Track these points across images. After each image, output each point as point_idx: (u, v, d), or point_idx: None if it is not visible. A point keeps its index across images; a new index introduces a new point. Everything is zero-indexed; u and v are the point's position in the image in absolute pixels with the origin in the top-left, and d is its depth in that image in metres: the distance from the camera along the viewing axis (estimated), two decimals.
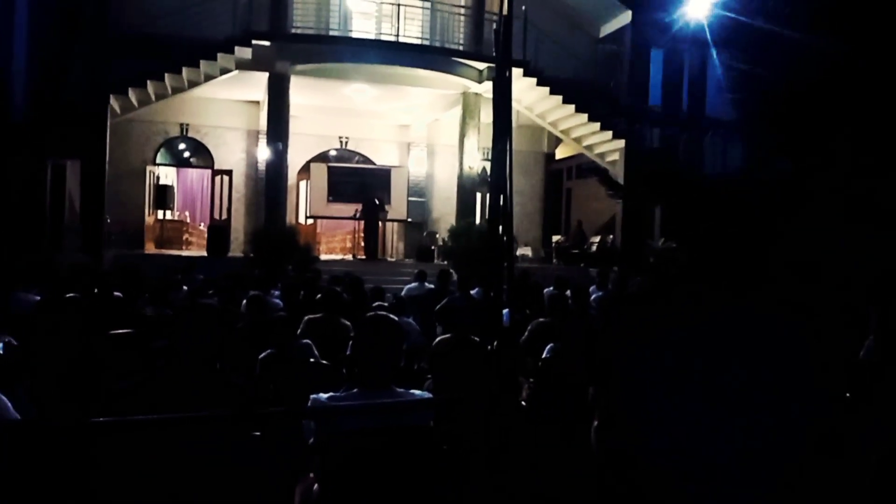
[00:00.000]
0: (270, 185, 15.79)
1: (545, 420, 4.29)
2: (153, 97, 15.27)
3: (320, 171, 18.22)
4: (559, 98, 16.35)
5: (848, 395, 2.56)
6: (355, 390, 2.89)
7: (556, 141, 19.74)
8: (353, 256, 17.63)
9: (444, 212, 19.22)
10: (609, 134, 16.57)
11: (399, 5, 16.28)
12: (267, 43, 14.90)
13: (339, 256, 18.44)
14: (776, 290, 1.46)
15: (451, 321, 5.40)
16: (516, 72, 14.95)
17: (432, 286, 9.99)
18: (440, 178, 19.94)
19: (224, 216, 18.70)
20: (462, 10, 17.04)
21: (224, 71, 15.00)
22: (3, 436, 2.47)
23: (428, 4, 16.85)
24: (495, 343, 2.72)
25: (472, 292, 8.54)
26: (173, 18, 14.30)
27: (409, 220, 18.93)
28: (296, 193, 19.17)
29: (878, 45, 1.81)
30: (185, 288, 8.15)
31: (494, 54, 2.93)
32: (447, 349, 5.09)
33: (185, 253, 16.72)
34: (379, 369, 2.87)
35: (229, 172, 18.89)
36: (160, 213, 18.40)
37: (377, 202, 16.72)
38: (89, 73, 13.63)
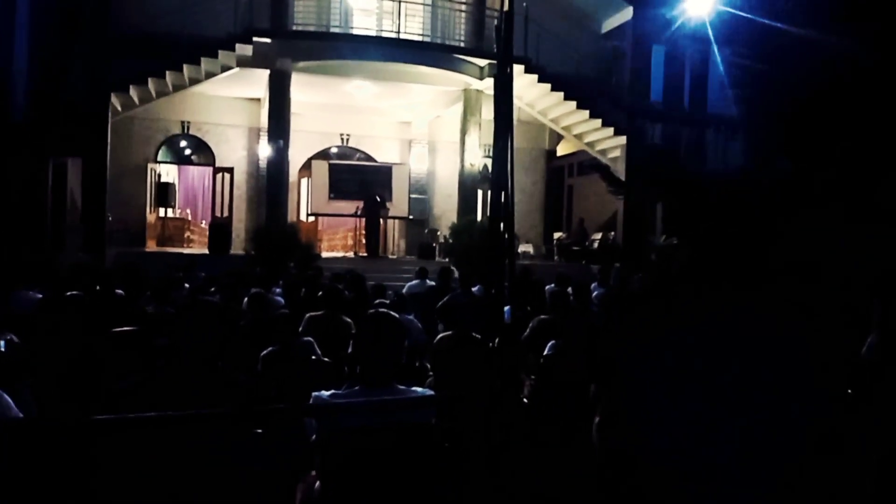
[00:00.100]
0: (272, 183, 15.79)
1: (546, 417, 4.29)
2: (154, 95, 15.27)
3: (321, 169, 18.22)
4: (560, 95, 16.33)
5: (850, 392, 2.56)
6: (357, 388, 2.89)
7: (558, 138, 19.71)
8: (355, 254, 17.63)
9: (446, 209, 19.22)
10: (610, 130, 16.55)
11: (400, 2, 16.28)
12: (268, 40, 14.90)
13: (340, 254, 18.45)
14: (776, 290, 1.46)
15: (453, 318, 5.40)
16: (517, 68, 14.94)
17: (434, 283, 10.00)
18: (441, 175, 19.94)
19: (225, 214, 18.70)
20: (463, 7, 17.02)
21: (225, 68, 15.00)
22: (4, 434, 2.48)
23: (429, 1, 16.85)
24: (497, 340, 2.72)
25: (473, 289, 8.54)
26: (174, 16, 14.29)
27: (411, 217, 18.92)
28: (297, 191, 19.15)
29: (883, 41, 1.80)
30: (186, 286, 8.15)
31: (495, 51, 2.93)
32: (448, 346, 5.09)
33: (186, 251, 16.74)
34: (380, 367, 2.87)
35: (230, 170, 18.90)
36: (161, 211, 18.39)
37: (378, 199, 16.72)
38: (90, 72, 13.63)
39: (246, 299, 6.54)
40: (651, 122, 16.15)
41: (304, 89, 16.04)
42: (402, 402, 2.90)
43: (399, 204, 18.15)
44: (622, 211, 16.55)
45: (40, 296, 5.87)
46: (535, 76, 15.90)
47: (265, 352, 4.62)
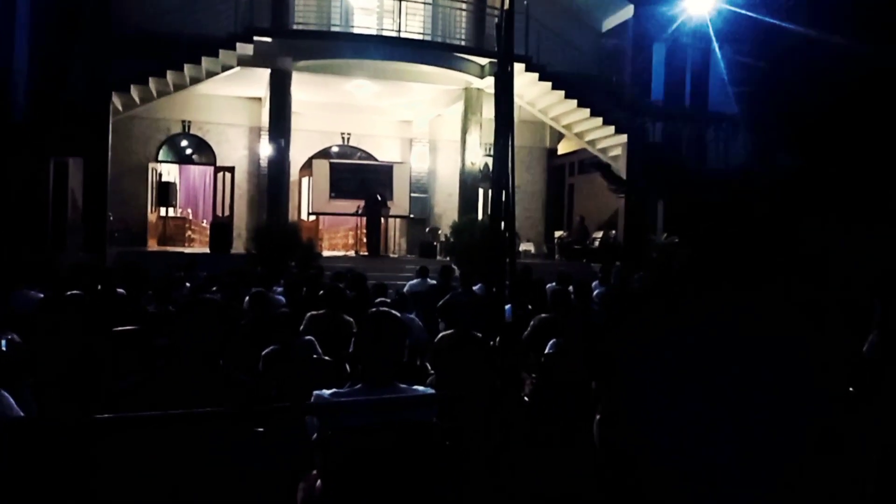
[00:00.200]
0: (273, 182, 15.79)
1: (547, 416, 4.29)
2: (155, 94, 15.27)
3: (322, 168, 18.22)
4: (561, 93, 16.31)
5: (851, 391, 2.55)
6: (358, 387, 2.89)
7: (559, 136, 19.70)
8: (356, 253, 17.63)
9: (447, 208, 19.21)
10: (611, 129, 16.53)
11: (400, 1, 16.26)
12: (269, 39, 14.89)
13: (341, 253, 18.45)
14: (776, 290, 1.45)
15: (454, 317, 5.40)
16: (518, 67, 14.93)
17: (435, 282, 10.00)
18: (442, 174, 19.94)
19: (226, 213, 18.70)
20: (463, 6, 17.01)
21: (226, 67, 14.99)
22: (5, 434, 2.48)
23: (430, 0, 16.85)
24: (497, 339, 2.72)
25: (474, 288, 8.54)
26: (175, 16, 14.30)
27: (412, 216, 18.92)
28: (298, 190, 19.15)
29: (885, 39, 1.80)
30: (187, 285, 8.15)
31: (496, 49, 2.92)
32: (450, 345, 5.09)
33: (187, 250, 16.74)
34: (382, 366, 2.87)
35: (231, 169, 18.90)
36: (163, 211, 18.40)
37: (379, 198, 16.72)
38: (91, 72, 13.62)
39: (247, 298, 6.55)
40: (652, 120, 16.13)
41: (305, 88, 16.04)
42: (404, 400, 2.90)
43: (400, 203, 18.15)
44: (623, 209, 16.53)
45: (41, 295, 5.87)
46: (536, 74, 15.88)
47: (266, 351, 4.62)
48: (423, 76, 15.97)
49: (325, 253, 17.10)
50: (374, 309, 3.31)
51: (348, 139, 19.96)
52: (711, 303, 1.48)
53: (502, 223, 2.64)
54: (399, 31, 16.06)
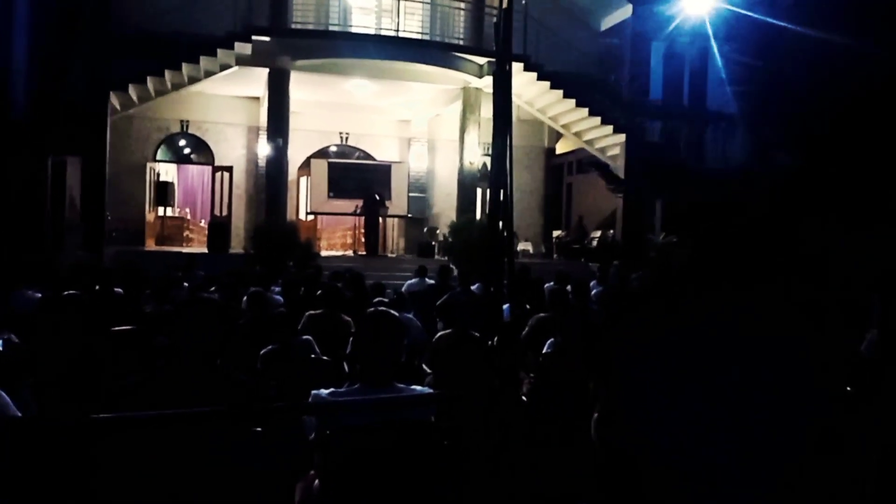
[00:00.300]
0: (271, 182, 15.79)
1: (545, 415, 4.29)
2: (153, 94, 15.25)
3: (321, 167, 18.22)
4: (560, 93, 16.31)
5: (850, 390, 2.55)
6: (356, 386, 2.89)
7: (557, 136, 19.71)
8: (354, 252, 17.63)
9: (445, 207, 19.21)
10: (610, 128, 16.53)
11: (399, 0, 16.25)
12: (267, 38, 14.88)
13: (339, 252, 18.43)
14: (776, 290, 1.45)
15: (452, 317, 5.40)
16: (516, 66, 14.92)
17: (433, 282, 10.01)
18: (441, 174, 19.93)
19: (224, 213, 18.68)
20: (462, 5, 17.01)
21: (224, 67, 14.98)
22: (4, 433, 2.47)
23: None
24: (496, 338, 2.72)
25: (472, 288, 8.54)
26: (173, 15, 14.28)
27: (410, 215, 18.92)
28: (296, 189, 19.15)
29: (882, 38, 1.80)
30: (186, 285, 8.15)
31: (495, 49, 2.92)
32: (448, 345, 5.09)
33: (185, 250, 16.71)
34: (380, 365, 2.87)
35: (230, 169, 18.88)
36: (161, 210, 18.39)
37: (378, 198, 16.72)
38: (89, 71, 13.61)
39: (245, 298, 6.54)
40: (650, 119, 16.15)
41: (304, 88, 16.03)
42: (402, 399, 2.90)
43: (398, 202, 18.15)
44: (621, 209, 16.54)
45: (39, 295, 5.86)
46: (534, 74, 15.88)
47: (264, 350, 4.62)
48: (421, 75, 15.97)
49: (324, 252, 17.09)
50: (372, 309, 3.31)
51: (347, 139, 19.95)
52: (711, 302, 1.48)
53: (500, 223, 2.64)
54: (397, 30, 16.05)
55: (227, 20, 14.77)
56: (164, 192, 17.69)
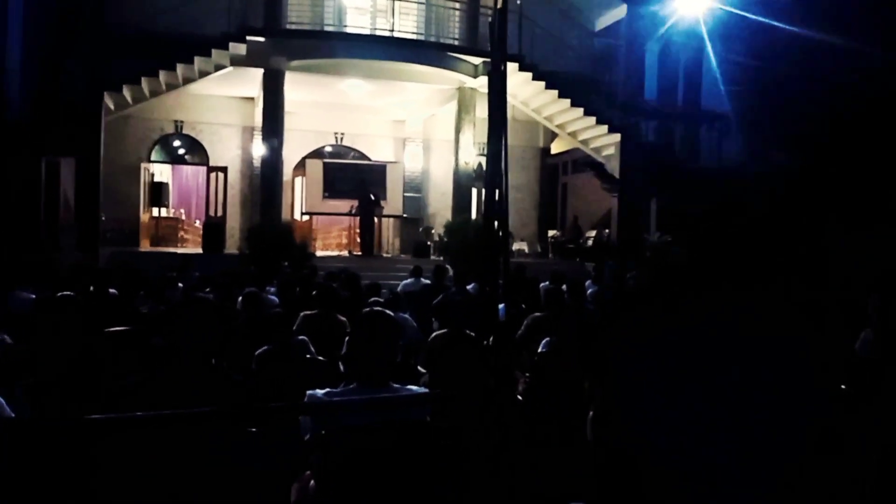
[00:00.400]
0: (266, 182, 15.77)
1: (541, 415, 4.29)
2: (148, 94, 15.23)
3: (316, 168, 18.20)
4: (555, 92, 16.32)
5: (845, 388, 2.56)
6: (352, 386, 2.89)
7: (552, 135, 19.72)
8: (349, 252, 17.62)
9: (440, 207, 19.20)
10: (605, 128, 16.55)
11: (394, 0, 16.25)
12: (262, 39, 14.86)
13: (334, 253, 18.42)
14: (776, 289, 1.46)
15: (448, 316, 5.40)
16: (511, 66, 14.93)
17: (428, 282, 10.00)
18: (436, 174, 19.93)
19: (219, 213, 18.64)
20: (457, 5, 17.00)
21: (219, 67, 14.96)
22: (3, 434, 2.47)
23: None
24: (491, 338, 2.72)
25: (468, 287, 8.54)
26: (168, 15, 14.26)
27: (405, 215, 18.92)
28: (291, 190, 19.13)
29: (875, 38, 1.81)
30: (180, 285, 8.13)
31: (489, 49, 2.92)
32: (443, 344, 5.09)
33: (180, 250, 16.69)
34: (376, 365, 2.87)
35: (224, 169, 18.85)
36: (155, 211, 18.35)
37: (373, 198, 16.72)
38: (84, 71, 13.58)
39: (240, 298, 6.53)
40: (645, 119, 16.18)
41: (299, 88, 16.01)
42: (398, 399, 2.90)
43: (393, 202, 18.15)
44: (616, 208, 16.56)
45: (34, 296, 5.85)
46: (529, 74, 15.89)
47: (260, 351, 4.61)
48: (416, 76, 15.97)
49: (319, 253, 17.07)
50: (367, 309, 3.30)
51: (342, 139, 19.94)
52: (711, 302, 1.48)
53: (496, 222, 2.64)
54: (392, 30, 16.04)
55: (222, 20, 14.74)
56: (158, 193, 17.64)
